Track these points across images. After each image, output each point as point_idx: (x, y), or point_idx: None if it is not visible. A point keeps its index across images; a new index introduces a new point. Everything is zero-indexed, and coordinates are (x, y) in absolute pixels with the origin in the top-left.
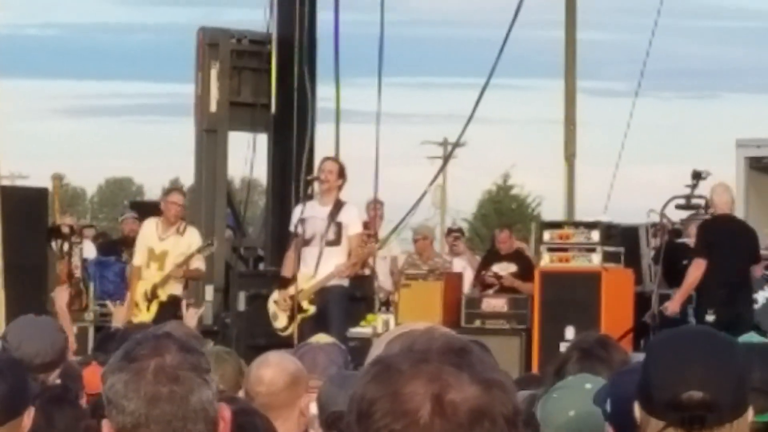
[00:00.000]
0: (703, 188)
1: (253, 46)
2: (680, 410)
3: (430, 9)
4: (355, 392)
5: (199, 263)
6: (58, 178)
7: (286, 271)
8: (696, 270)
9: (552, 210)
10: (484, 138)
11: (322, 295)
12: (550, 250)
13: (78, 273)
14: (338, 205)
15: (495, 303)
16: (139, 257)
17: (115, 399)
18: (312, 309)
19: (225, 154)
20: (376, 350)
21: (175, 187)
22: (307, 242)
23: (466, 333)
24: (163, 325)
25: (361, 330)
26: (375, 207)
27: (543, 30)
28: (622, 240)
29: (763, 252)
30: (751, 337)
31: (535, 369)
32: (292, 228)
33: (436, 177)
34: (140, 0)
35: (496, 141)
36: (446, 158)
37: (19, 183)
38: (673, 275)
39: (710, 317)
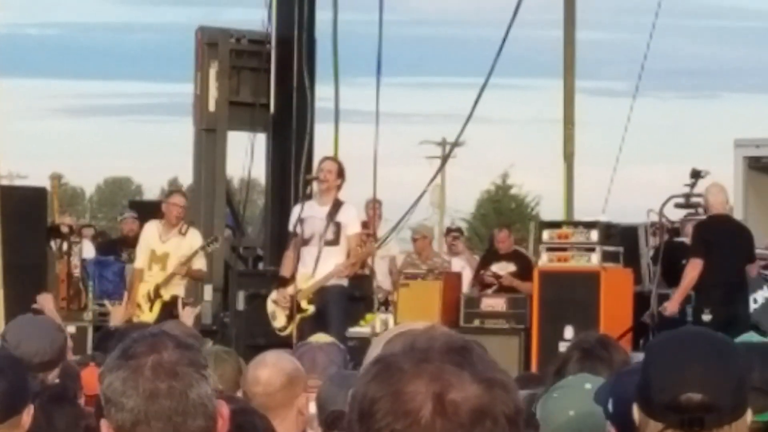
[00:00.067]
0: (702, 187)
1: (253, 46)
2: (679, 412)
3: (430, 9)
4: (357, 391)
5: (201, 263)
6: (57, 178)
7: (285, 271)
8: (693, 270)
9: (551, 210)
10: (483, 138)
11: (321, 294)
12: (549, 249)
13: (77, 273)
14: (337, 205)
15: (494, 303)
16: (140, 260)
17: (114, 397)
18: (311, 309)
19: (224, 153)
20: (374, 350)
21: (176, 188)
22: (305, 242)
23: (465, 333)
24: (161, 324)
25: (360, 330)
26: (374, 206)
27: (542, 30)
28: (621, 240)
29: (762, 251)
30: (750, 336)
31: (534, 369)
32: (291, 228)
33: (434, 176)
34: (140, 0)
35: (495, 141)
36: (445, 158)
37: (18, 183)
38: (672, 275)
39: (707, 317)
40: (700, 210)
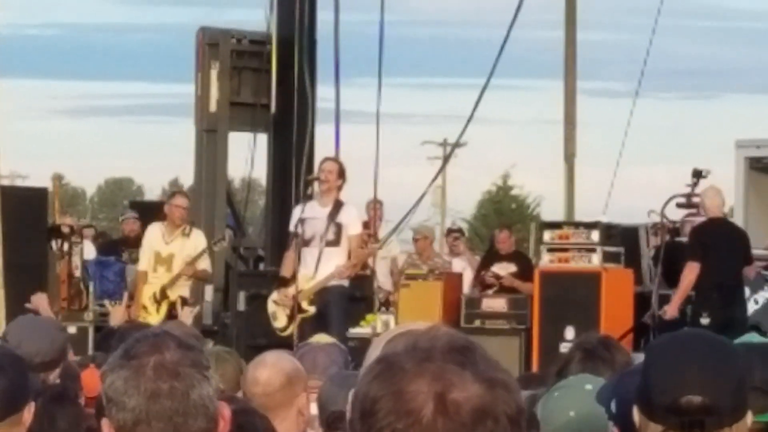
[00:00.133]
0: (704, 187)
1: (253, 46)
2: (679, 414)
3: (430, 9)
4: (358, 390)
5: (206, 264)
6: (57, 178)
7: (285, 271)
8: (690, 273)
9: (552, 210)
10: (484, 138)
11: (322, 295)
12: (550, 250)
13: (78, 273)
14: (338, 206)
15: (495, 303)
16: (144, 262)
17: (115, 396)
18: (312, 309)
19: (225, 154)
20: (374, 350)
21: (178, 190)
22: (306, 242)
23: (466, 333)
24: (162, 324)
25: (360, 330)
26: (375, 207)
27: (543, 30)
28: (621, 240)
29: (763, 252)
30: (751, 337)
31: (534, 369)
32: (291, 228)
33: (435, 177)
34: (140, 0)
35: (496, 141)
36: (446, 158)
37: (19, 183)
38: (673, 275)
39: (705, 320)
40: (702, 210)
